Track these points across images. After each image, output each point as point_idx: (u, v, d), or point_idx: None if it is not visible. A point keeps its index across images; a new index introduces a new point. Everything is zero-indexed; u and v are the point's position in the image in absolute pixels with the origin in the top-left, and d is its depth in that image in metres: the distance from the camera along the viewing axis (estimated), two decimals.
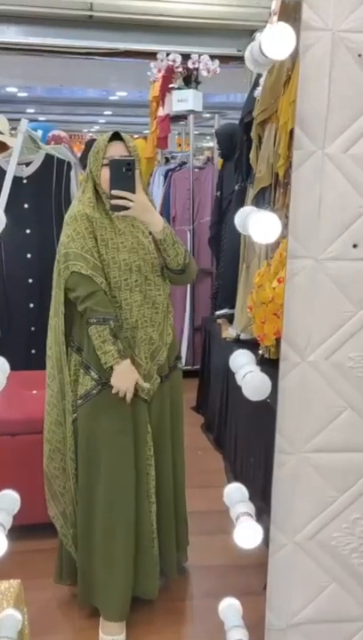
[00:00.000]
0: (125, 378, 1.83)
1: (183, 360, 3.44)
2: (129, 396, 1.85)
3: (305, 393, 1.04)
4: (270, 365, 2.73)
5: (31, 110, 10.04)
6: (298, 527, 1.14)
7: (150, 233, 1.87)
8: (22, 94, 8.52)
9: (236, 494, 1.17)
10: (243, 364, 1.05)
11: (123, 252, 1.86)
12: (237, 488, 1.17)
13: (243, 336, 3.26)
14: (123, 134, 1.85)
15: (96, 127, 10.95)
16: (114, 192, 1.72)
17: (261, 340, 2.30)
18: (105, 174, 1.77)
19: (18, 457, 2.45)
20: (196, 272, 2.01)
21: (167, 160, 5.32)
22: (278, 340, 2.37)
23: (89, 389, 1.90)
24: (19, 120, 2.82)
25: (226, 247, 3.82)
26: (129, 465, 1.93)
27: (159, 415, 2.01)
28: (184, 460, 2.18)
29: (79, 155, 4.28)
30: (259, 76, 3.08)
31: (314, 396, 1.04)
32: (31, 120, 8.17)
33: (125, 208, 1.73)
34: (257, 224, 1.00)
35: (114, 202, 1.73)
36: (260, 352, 2.75)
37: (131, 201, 1.72)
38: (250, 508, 1.15)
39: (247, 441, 2.87)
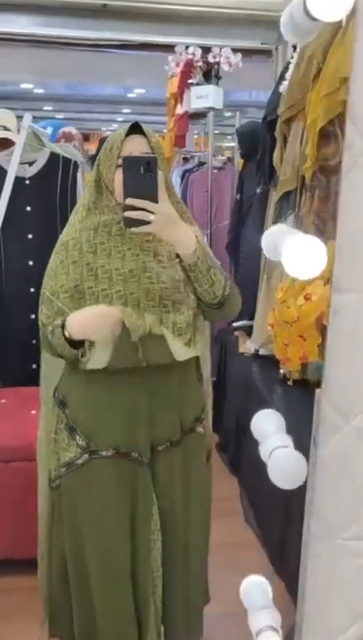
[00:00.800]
0: (93, 323, 1.40)
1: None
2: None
3: (348, 465, 0.79)
4: (294, 389, 2.54)
5: (48, 108, 9.92)
6: (334, 631, 0.90)
7: (177, 256, 1.42)
8: (38, 91, 8.37)
9: (256, 595, 0.91)
10: (269, 434, 0.79)
11: (117, 282, 1.43)
12: (258, 585, 0.91)
13: (262, 351, 3.08)
14: (144, 127, 1.43)
15: (114, 125, 10.77)
16: (129, 201, 1.31)
17: (283, 363, 2.06)
18: (119, 178, 1.36)
19: (12, 486, 2.23)
20: (239, 306, 1.55)
21: (185, 160, 5.09)
22: (304, 365, 2.13)
23: (73, 458, 1.52)
24: (37, 118, 2.61)
25: (245, 254, 3.62)
26: (124, 550, 1.56)
27: (169, 486, 1.59)
28: (206, 549, 1.82)
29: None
30: (285, 69, 2.87)
31: (359, 469, 0.80)
32: (48, 117, 8.05)
33: (144, 222, 1.31)
34: (295, 252, 0.72)
35: (128, 214, 1.31)
36: (281, 371, 2.52)
37: (151, 212, 1.30)
38: (276, 619, 0.90)
39: (264, 466, 2.64)
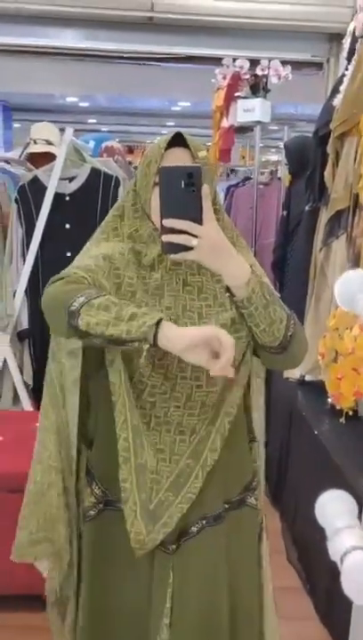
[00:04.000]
0: (175, 340, 1.05)
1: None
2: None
3: None
4: (345, 423, 2.38)
5: (93, 120, 10.01)
6: None
7: (228, 290, 1.15)
8: (83, 104, 8.42)
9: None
10: (340, 527, 0.63)
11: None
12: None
13: (308, 377, 2.92)
14: (189, 138, 1.18)
15: (158, 138, 10.82)
16: (167, 222, 1.07)
17: (335, 400, 1.90)
18: (157, 198, 1.10)
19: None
20: (306, 350, 1.24)
21: (229, 174, 4.99)
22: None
23: (87, 508, 1.31)
24: (81, 131, 2.53)
25: (291, 273, 3.48)
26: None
27: (204, 584, 1.26)
28: None
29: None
30: (339, 82, 2.75)
31: None
32: (92, 130, 8.07)
33: (186, 248, 1.07)
34: None
35: (167, 238, 1.07)
36: (329, 400, 2.37)
37: (194, 236, 1.06)
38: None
39: (310, 501, 2.47)
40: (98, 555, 1.31)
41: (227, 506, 1.28)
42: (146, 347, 1.07)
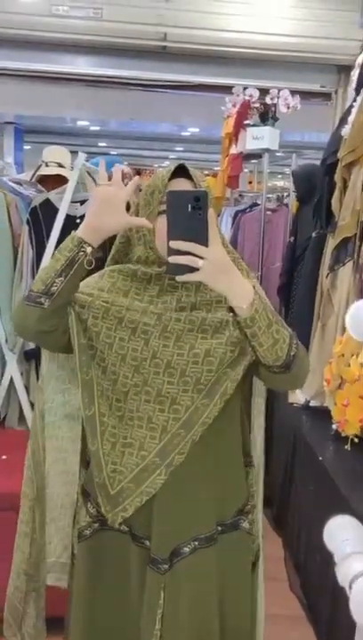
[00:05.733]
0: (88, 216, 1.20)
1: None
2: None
3: None
4: (350, 450, 2.37)
5: (103, 144, 10.15)
6: None
7: (231, 310, 1.16)
8: (94, 128, 8.54)
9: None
10: (348, 552, 0.64)
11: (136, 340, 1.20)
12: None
13: (313, 402, 2.91)
14: (191, 169, 1.22)
15: (166, 162, 10.92)
16: (174, 244, 1.09)
17: (341, 426, 1.91)
18: (161, 227, 1.15)
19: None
20: (308, 370, 1.26)
21: (237, 200, 5.04)
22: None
23: (82, 527, 1.31)
24: (93, 154, 2.57)
25: (298, 299, 3.49)
26: None
27: (193, 607, 1.25)
28: None
29: None
30: (347, 113, 2.79)
31: None
32: (103, 153, 8.15)
33: (192, 269, 1.10)
34: None
35: (173, 259, 1.09)
36: (334, 427, 2.37)
37: (200, 257, 1.08)
38: None
39: (314, 529, 2.45)
40: (89, 576, 1.31)
41: (220, 528, 1.27)
42: (87, 248, 1.17)
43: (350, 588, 0.60)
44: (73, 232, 1.19)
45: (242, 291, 1.13)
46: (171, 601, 1.22)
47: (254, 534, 1.36)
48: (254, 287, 1.16)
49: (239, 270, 1.19)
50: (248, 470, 1.37)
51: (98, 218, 1.17)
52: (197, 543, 1.24)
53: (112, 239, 1.30)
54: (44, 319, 1.19)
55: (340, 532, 0.68)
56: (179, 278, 1.12)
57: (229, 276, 1.12)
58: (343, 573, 0.62)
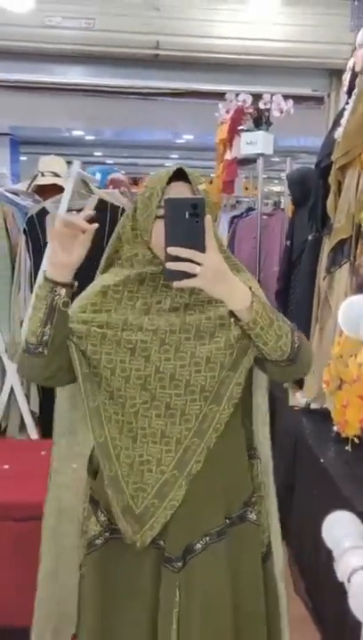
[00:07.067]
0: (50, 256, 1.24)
1: None
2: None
3: None
4: (351, 451, 2.37)
5: (98, 153, 10.20)
6: None
7: (232, 315, 1.17)
8: (89, 137, 8.58)
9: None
10: (346, 548, 0.65)
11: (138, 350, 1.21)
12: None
13: (313, 405, 2.91)
14: (189, 172, 1.22)
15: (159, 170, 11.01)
16: (171, 250, 1.10)
17: (341, 427, 1.91)
18: (158, 230, 1.16)
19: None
20: (311, 359, 1.28)
21: (232, 206, 5.05)
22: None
23: (92, 537, 1.30)
24: (88, 163, 2.59)
25: (295, 302, 3.49)
26: None
27: (207, 601, 1.27)
28: None
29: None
30: (339, 116, 2.81)
31: None
32: (98, 163, 8.19)
33: (189, 275, 1.11)
34: None
35: (171, 265, 1.11)
36: (335, 429, 2.37)
37: (197, 263, 1.09)
38: None
39: (317, 530, 2.45)
40: (101, 584, 1.31)
41: (228, 521, 1.30)
42: (61, 290, 1.20)
43: (349, 582, 0.61)
44: (43, 272, 1.24)
45: (240, 295, 1.14)
46: (186, 598, 1.24)
47: (262, 524, 1.38)
48: (250, 288, 1.17)
49: (238, 271, 1.21)
50: (252, 462, 1.39)
51: (56, 255, 1.20)
52: (208, 539, 1.26)
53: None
54: (50, 363, 1.24)
55: (338, 528, 0.69)
56: (176, 284, 1.12)
57: (227, 282, 1.13)
58: (342, 568, 0.63)
